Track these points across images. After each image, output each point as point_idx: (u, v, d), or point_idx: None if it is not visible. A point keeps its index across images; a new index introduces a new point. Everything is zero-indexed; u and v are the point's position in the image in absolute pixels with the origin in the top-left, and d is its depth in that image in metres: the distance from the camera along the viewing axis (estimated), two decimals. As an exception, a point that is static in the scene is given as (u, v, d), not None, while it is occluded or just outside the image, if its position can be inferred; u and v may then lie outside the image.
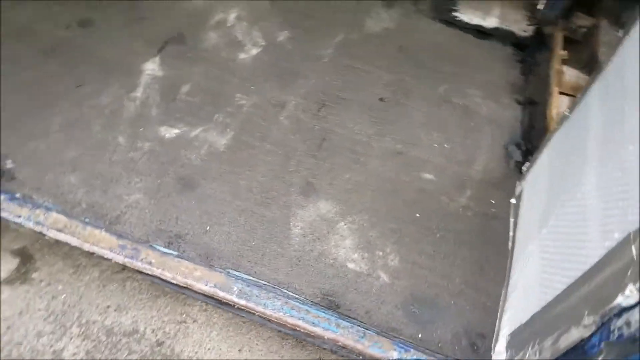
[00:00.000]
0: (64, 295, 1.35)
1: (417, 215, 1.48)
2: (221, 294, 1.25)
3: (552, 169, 1.25)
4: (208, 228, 1.41)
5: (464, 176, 1.57)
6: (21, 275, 1.39)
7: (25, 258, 1.50)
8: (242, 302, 1.24)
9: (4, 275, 1.39)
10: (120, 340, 1.29)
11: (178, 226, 1.41)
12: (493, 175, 1.59)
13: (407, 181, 1.55)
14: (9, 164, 1.46)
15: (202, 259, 1.34)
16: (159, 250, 1.31)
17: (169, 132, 1.60)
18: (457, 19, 1.98)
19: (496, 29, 1.96)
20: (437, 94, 1.78)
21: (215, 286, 1.25)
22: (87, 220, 1.34)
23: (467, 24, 1.97)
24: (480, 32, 1.96)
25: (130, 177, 1.48)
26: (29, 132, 1.54)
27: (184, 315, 1.34)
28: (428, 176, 1.57)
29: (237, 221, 1.43)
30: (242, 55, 1.83)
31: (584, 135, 1.07)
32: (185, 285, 1.27)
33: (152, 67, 1.76)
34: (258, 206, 1.46)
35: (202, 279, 1.26)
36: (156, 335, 1.31)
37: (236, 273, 1.31)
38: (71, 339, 1.28)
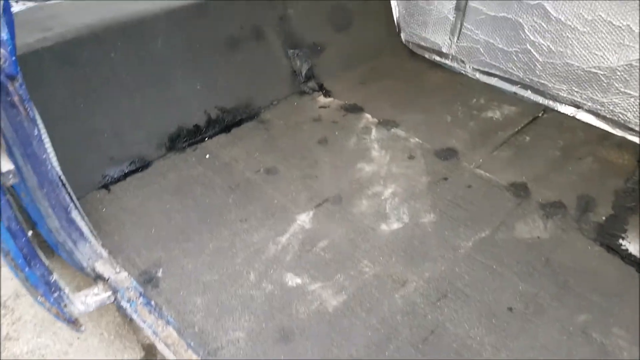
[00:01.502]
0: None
1: None
2: None
3: None
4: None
5: None
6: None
7: (151, 354, 1.76)
8: None
9: None
10: None
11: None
12: None
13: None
14: (159, 273, 1.79)
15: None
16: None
17: (292, 280, 1.76)
18: (622, 247, 1.79)
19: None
20: (574, 322, 1.59)
21: None
22: (191, 344, 1.53)
23: (632, 255, 1.76)
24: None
25: (243, 313, 1.66)
26: (187, 248, 1.88)
27: None
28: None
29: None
30: (382, 227, 1.96)
31: None
32: None
33: (304, 219, 2.01)
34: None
35: None
36: None
37: None
38: None
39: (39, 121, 1.75)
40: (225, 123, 2.53)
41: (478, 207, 2.03)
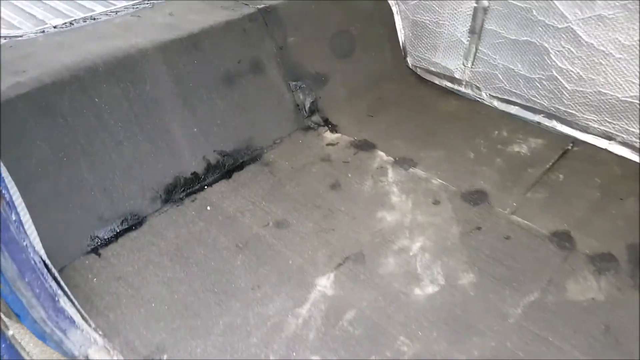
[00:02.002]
0: None
1: None
2: None
3: None
4: None
5: None
6: None
7: None
8: None
9: None
10: None
11: None
12: None
13: None
14: (164, 357, 1.52)
15: None
16: None
17: (320, 365, 1.52)
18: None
19: None
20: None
21: None
22: None
23: None
24: None
25: (265, 411, 1.41)
26: (194, 327, 1.61)
27: None
28: None
29: None
30: (416, 291, 1.73)
31: None
32: None
33: (324, 284, 1.76)
34: None
35: None
36: None
37: None
38: None
39: (15, 190, 1.49)
40: (225, 168, 2.27)
41: (521, 262, 1.81)
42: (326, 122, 2.63)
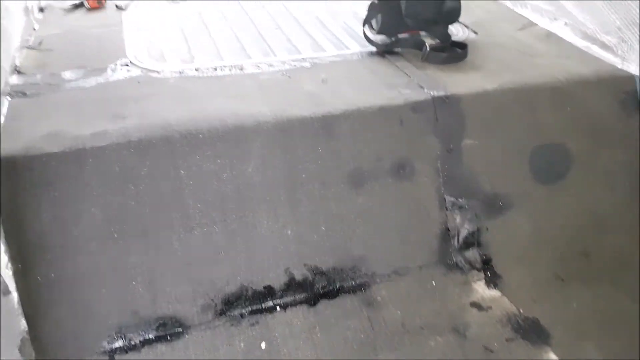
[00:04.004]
0: None
1: None
2: None
3: None
4: None
5: None
6: None
7: None
8: None
9: None
10: None
11: None
12: None
13: None
14: None
15: None
16: None
17: None
18: None
19: None
20: None
21: None
22: None
23: None
24: None
25: None
26: None
27: None
28: None
29: None
30: None
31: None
32: None
33: None
34: None
35: None
36: None
37: None
38: None
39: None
40: (313, 291, 1.70)
41: None
42: (485, 267, 1.82)
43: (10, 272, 1.42)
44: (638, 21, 1.92)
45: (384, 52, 2.15)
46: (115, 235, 1.53)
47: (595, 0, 2.05)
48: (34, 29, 2.24)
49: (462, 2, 2.16)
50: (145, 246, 1.56)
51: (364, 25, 2.18)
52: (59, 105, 1.72)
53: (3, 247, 1.41)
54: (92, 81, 1.86)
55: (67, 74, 1.89)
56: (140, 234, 1.56)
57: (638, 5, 1.89)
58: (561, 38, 2.26)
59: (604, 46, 2.08)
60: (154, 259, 1.57)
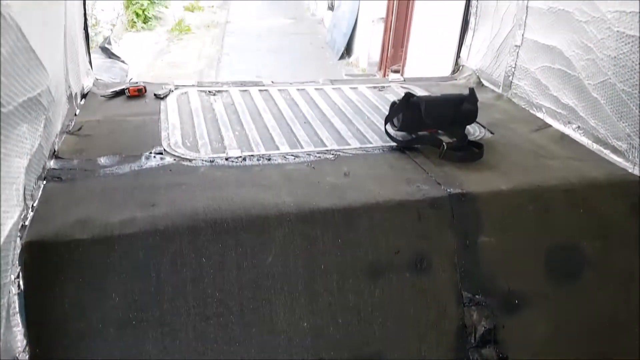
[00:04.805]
0: None
1: None
2: None
3: None
4: None
5: None
6: None
7: None
8: None
9: None
10: None
11: None
12: None
13: None
14: None
15: None
16: None
17: None
18: None
19: None
20: None
21: None
22: None
23: None
24: None
25: None
26: None
27: None
28: None
29: None
30: None
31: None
32: None
33: None
34: None
35: None
36: None
37: None
38: None
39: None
40: (324, 388, 1.68)
41: None
42: (502, 365, 1.80)
43: (27, 357, 1.43)
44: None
45: (404, 147, 2.24)
46: (134, 323, 1.56)
47: (604, 108, 2.16)
48: (75, 114, 2.37)
49: (479, 103, 2.29)
50: (160, 334, 1.57)
51: (385, 122, 2.30)
52: (92, 192, 1.78)
53: (23, 331, 1.44)
54: (125, 168, 1.94)
55: (103, 160, 1.97)
56: (157, 322, 1.58)
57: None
58: (574, 140, 2.35)
59: (615, 150, 2.15)
60: (168, 348, 1.57)
